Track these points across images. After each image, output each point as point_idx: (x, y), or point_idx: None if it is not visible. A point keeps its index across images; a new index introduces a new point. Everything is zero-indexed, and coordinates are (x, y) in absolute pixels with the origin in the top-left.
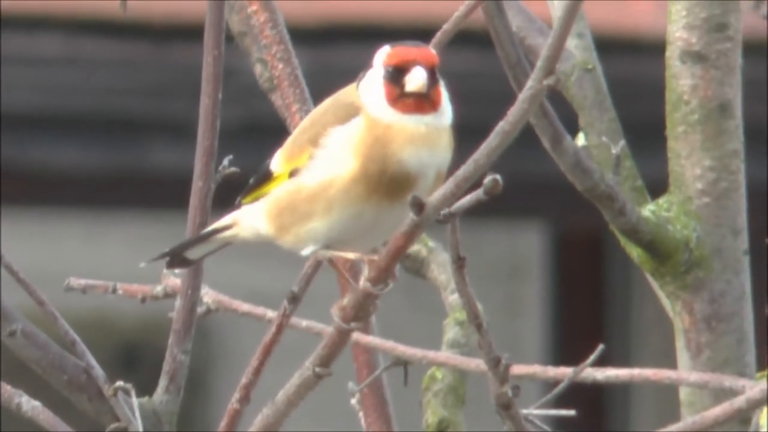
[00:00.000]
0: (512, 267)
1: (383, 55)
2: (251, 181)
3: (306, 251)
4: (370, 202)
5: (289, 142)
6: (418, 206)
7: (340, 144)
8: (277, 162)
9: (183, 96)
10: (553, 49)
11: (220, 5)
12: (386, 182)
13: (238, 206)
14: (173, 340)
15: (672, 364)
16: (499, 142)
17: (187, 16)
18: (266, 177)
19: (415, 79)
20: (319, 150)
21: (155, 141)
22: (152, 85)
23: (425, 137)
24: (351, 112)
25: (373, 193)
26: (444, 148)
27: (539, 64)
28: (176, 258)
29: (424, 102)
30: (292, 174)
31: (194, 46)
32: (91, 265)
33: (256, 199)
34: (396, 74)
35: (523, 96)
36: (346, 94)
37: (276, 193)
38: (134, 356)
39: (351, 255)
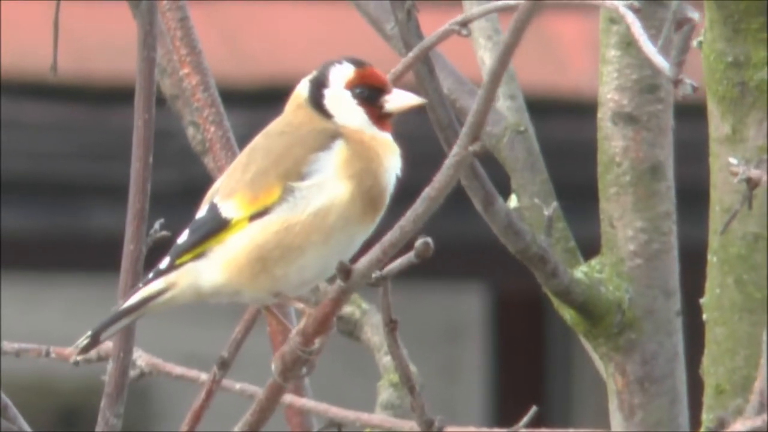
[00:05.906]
0: (452, 329)
1: (346, 75)
2: (185, 239)
3: (272, 298)
4: (362, 223)
5: (242, 185)
6: (345, 272)
7: (330, 169)
8: (232, 208)
9: (121, 159)
10: (477, 116)
11: (150, 69)
12: (375, 197)
13: (170, 269)
14: (105, 404)
15: (610, 425)
16: (425, 208)
17: (126, 79)
18: (219, 227)
19: (402, 100)
20: (300, 182)
21: (94, 204)
22: (91, 148)
23: (394, 149)
24: (325, 136)
25: (365, 212)
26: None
27: (464, 130)
28: (98, 335)
29: (389, 120)
30: (255, 217)
31: (133, 110)
32: (30, 328)
33: (199, 255)
34: (373, 94)
35: (448, 162)
36: (292, 124)
37: (245, 238)
38: (73, 419)
39: (299, 304)
